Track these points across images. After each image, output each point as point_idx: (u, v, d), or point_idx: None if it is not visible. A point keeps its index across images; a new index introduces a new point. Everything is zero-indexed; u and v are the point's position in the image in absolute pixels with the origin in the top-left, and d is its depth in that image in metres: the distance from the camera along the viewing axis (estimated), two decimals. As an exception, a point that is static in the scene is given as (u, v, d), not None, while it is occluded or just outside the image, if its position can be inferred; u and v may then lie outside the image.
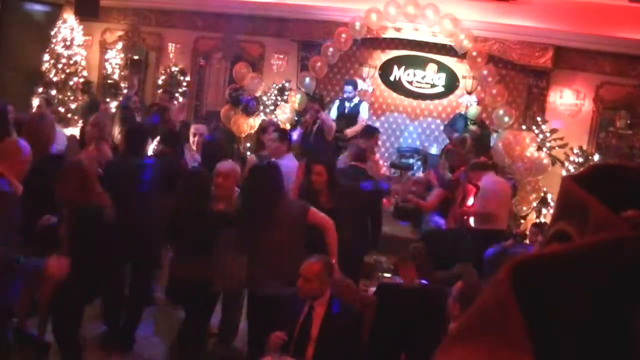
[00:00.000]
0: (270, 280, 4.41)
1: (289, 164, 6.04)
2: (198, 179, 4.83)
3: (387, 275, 5.87)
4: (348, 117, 9.22)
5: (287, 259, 4.28)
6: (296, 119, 9.98)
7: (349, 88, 9.33)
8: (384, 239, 7.79)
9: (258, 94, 10.27)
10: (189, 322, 4.85)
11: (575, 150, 8.79)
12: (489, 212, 6.89)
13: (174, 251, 5.00)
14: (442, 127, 9.79)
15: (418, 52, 10.16)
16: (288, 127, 9.77)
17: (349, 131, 8.93)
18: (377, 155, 8.35)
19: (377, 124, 10.46)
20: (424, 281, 4.97)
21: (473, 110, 9.16)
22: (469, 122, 8.96)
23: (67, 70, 11.17)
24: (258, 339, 4.20)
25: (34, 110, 8.28)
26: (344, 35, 9.73)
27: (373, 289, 4.84)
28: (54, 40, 11.16)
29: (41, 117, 5.94)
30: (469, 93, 9.51)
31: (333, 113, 9.38)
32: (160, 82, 11.58)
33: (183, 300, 4.89)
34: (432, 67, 10.17)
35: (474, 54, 9.10)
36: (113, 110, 9.70)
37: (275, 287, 4.31)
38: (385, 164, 10.20)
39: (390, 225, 8.14)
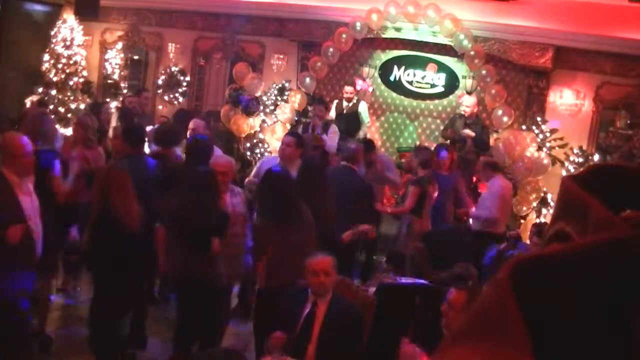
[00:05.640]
0: (287, 274, 4.50)
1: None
2: (206, 178, 4.86)
3: (387, 275, 5.87)
4: (347, 117, 9.24)
5: (304, 258, 4.33)
6: (296, 119, 9.99)
7: (350, 89, 9.37)
8: (384, 239, 7.81)
9: (258, 94, 10.27)
10: (186, 320, 4.86)
11: (575, 150, 8.78)
12: (496, 217, 6.95)
13: (178, 249, 4.99)
14: (441, 128, 9.78)
15: (418, 52, 10.15)
16: (288, 127, 9.79)
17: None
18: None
19: (377, 124, 10.48)
20: (424, 281, 4.97)
21: (469, 100, 9.12)
22: (465, 123, 8.94)
23: (67, 70, 11.16)
24: (264, 333, 4.24)
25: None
26: (344, 36, 9.74)
27: (373, 289, 4.84)
28: (54, 40, 11.14)
29: (43, 113, 5.99)
30: (469, 93, 9.50)
31: (332, 113, 9.40)
32: (160, 82, 11.58)
33: (185, 298, 4.88)
34: (432, 67, 10.17)
35: (472, 53, 9.10)
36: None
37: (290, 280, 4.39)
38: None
39: (390, 225, 8.14)
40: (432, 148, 7.92)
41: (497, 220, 7.00)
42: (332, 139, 8.46)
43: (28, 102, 9.13)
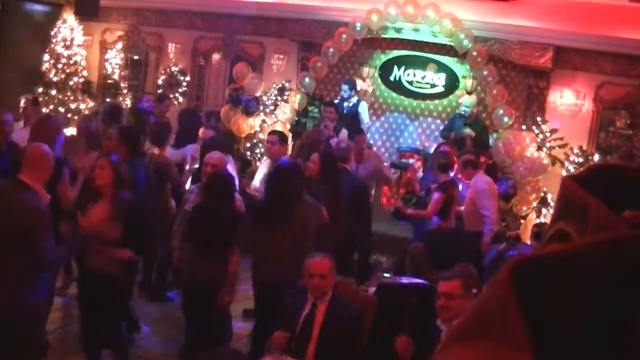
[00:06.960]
0: (277, 274, 4.51)
1: None
2: (219, 181, 4.85)
3: (387, 275, 5.87)
4: (347, 117, 9.23)
5: (296, 257, 4.31)
6: (296, 119, 9.98)
7: (345, 88, 9.39)
8: (384, 239, 7.82)
9: (258, 94, 10.27)
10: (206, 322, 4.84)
11: (575, 150, 8.78)
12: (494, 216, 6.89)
13: (192, 252, 4.96)
14: (441, 128, 9.78)
15: (418, 52, 10.16)
16: (288, 127, 9.79)
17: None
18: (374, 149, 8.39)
19: (377, 124, 10.48)
20: (423, 281, 4.97)
21: (469, 100, 9.13)
22: (465, 123, 8.94)
23: (67, 70, 11.16)
24: (264, 334, 4.24)
25: (20, 110, 8.24)
26: (344, 36, 9.74)
27: (373, 289, 4.84)
28: (54, 40, 11.15)
29: (47, 118, 5.97)
30: (469, 93, 9.51)
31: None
32: (160, 82, 11.58)
33: (201, 302, 4.87)
34: (432, 67, 10.17)
35: (475, 54, 9.10)
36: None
37: (282, 278, 4.38)
38: (386, 164, 10.18)
39: (390, 225, 8.14)
40: (433, 148, 7.92)
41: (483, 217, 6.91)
42: (343, 141, 8.50)
43: (22, 101, 9.10)
